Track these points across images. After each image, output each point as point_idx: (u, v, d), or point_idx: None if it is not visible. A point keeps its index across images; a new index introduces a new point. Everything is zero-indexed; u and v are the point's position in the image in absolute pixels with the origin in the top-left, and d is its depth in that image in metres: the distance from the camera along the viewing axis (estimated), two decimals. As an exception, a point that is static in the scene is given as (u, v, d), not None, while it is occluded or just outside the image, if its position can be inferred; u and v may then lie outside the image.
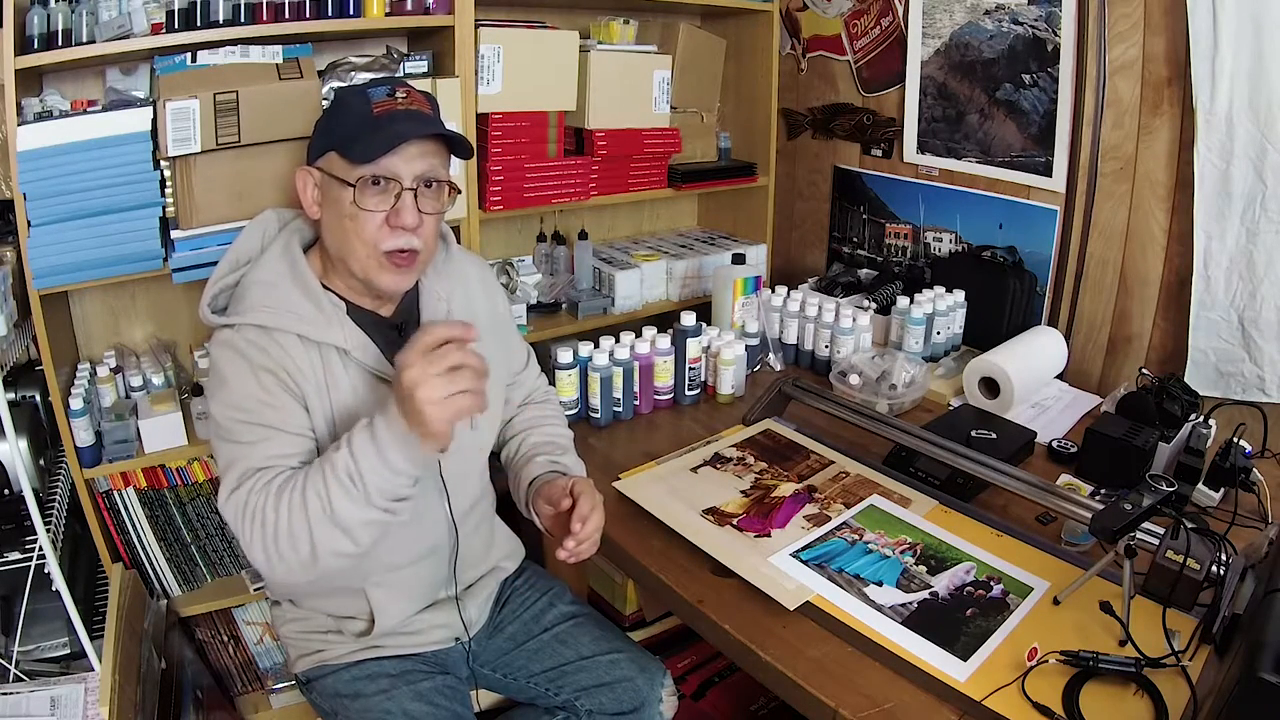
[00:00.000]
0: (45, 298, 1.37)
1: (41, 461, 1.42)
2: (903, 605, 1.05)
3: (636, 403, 1.62)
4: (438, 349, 0.92)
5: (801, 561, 1.13)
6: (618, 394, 1.58)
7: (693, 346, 1.63)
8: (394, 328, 1.15)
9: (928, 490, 1.31)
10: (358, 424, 0.98)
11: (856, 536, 1.19)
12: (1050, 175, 1.82)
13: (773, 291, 1.90)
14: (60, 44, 1.31)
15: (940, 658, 0.96)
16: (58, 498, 1.40)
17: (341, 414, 1.08)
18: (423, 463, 0.97)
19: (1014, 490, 1.20)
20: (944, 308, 1.82)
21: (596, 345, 1.58)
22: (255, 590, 1.71)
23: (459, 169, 1.68)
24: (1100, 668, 0.92)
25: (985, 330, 1.84)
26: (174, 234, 1.42)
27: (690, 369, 1.64)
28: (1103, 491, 1.26)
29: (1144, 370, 1.61)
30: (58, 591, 1.29)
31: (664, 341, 1.63)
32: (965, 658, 0.96)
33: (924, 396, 1.69)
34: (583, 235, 2.07)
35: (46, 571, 1.27)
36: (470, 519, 1.23)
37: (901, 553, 1.15)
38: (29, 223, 1.32)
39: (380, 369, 1.10)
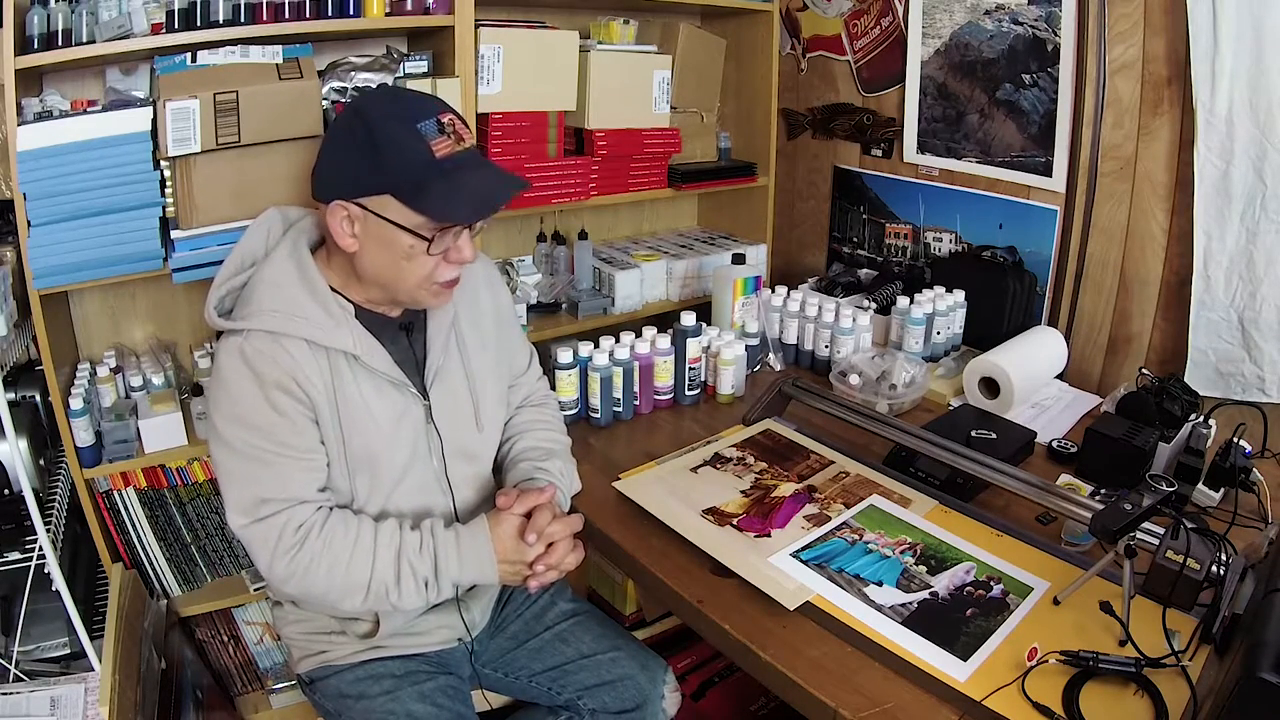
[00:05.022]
0: (45, 298, 1.37)
1: (41, 461, 1.42)
2: (903, 605, 1.05)
3: (636, 403, 1.62)
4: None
5: (801, 561, 1.13)
6: (618, 394, 1.58)
7: (693, 346, 1.63)
8: (402, 328, 1.15)
9: (928, 490, 1.31)
10: (439, 536, 1.10)
11: (856, 536, 1.19)
12: (1050, 175, 1.82)
13: (773, 291, 1.90)
14: (60, 44, 1.31)
15: (940, 658, 0.96)
16: (58, 498, 1.40)
17: (348, 420, 1.08)
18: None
19: (1014, 490, 1.20)
20: (944, 308, 1.82)
21: (596, 345, 1.58)
22: (255, 590, 1.71)
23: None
24: (1100, 668, 0.92)
25: (985, 330, 1.84)
26: (174, 234, 1.42)
27: (690, 369, 1.64)
28: (1103, 491, 1.26)
29: (1144, 370, 1.61)
30: (58, 591, 1.29)
31: (664, 341, 1.63)
32: (965, 658, 0.96)
33: (924, 396, 1.69)
34: (583, 235, 2.07)
35: (46, 571, 1.27)
36: (469, 520, 1.23)
37: (901, 553, 1.15)
38: (29, 223, 1.32)
39: (389, 373, 1.10)
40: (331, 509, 1.09)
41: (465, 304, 1.21)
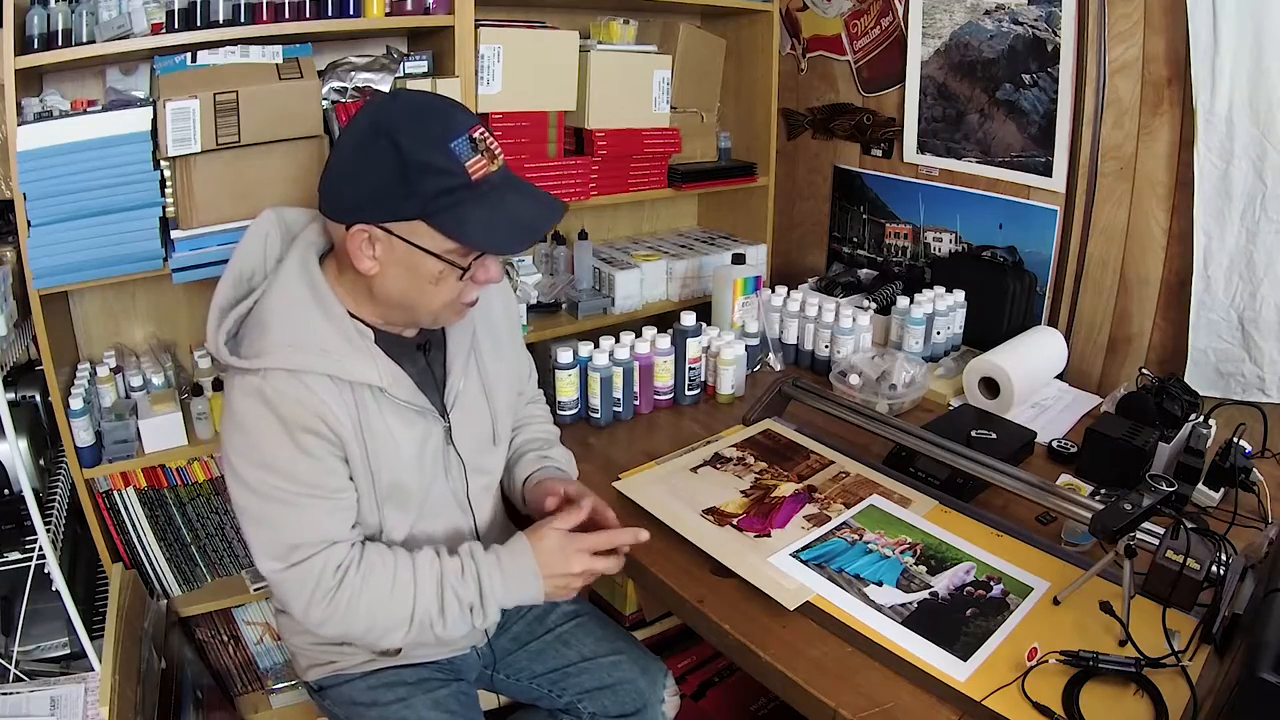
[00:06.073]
0: (45, 298, 1.37)
1: (41, 461, 1.42)
2: (903, 605, 1.05)
3: (636, 403, 1.62)
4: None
5: (801, 561, 1.13)
6: (618, 394, 1.58)
7: (693, 346, 1.63)
8: (419, 348, 1.11)
9: (928, 490, 1.31)
10: (480, 559, 1.05)
11: (856, 536, 1.19)
12: (1050, 175, 1.82)
13: (773, 291, 1.90)
14: (60, 44, 1.31)
15: (940, 658, 0.96)
16: (58, 498, 1.40)
17: (376, 453, 1.03)
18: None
19: (1014, 490, 1.20)
20: (944, 308, 1.82)
21: (596, 345, 1.58)
22: (255, 590, 1.71)
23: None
24: (1100, 668, 0.92)
25: (985, 330, 1.84)
26: (174, 234, 1.42)
27: (690, 369, 1.64)
28: (1103, 491, 1.26)
29: (1144, 370, 1.61)
30: (58, 591, 1.29)
31: (664, 341, 1.63)
32: (965, 658, 0.96)
33: (924, 396, 1.69)
34: (583, 235, 2.06)
35: (46, 571, 1.27)
36: (490, 533, 1.23)
37: (901, 553, 1.15)
38: (29, 223, 1.32)
39: (414, 402, 1.06)
40: (364, 543, 1.05)
41: (481, 316, 1.16)
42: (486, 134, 0.96)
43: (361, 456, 1.02)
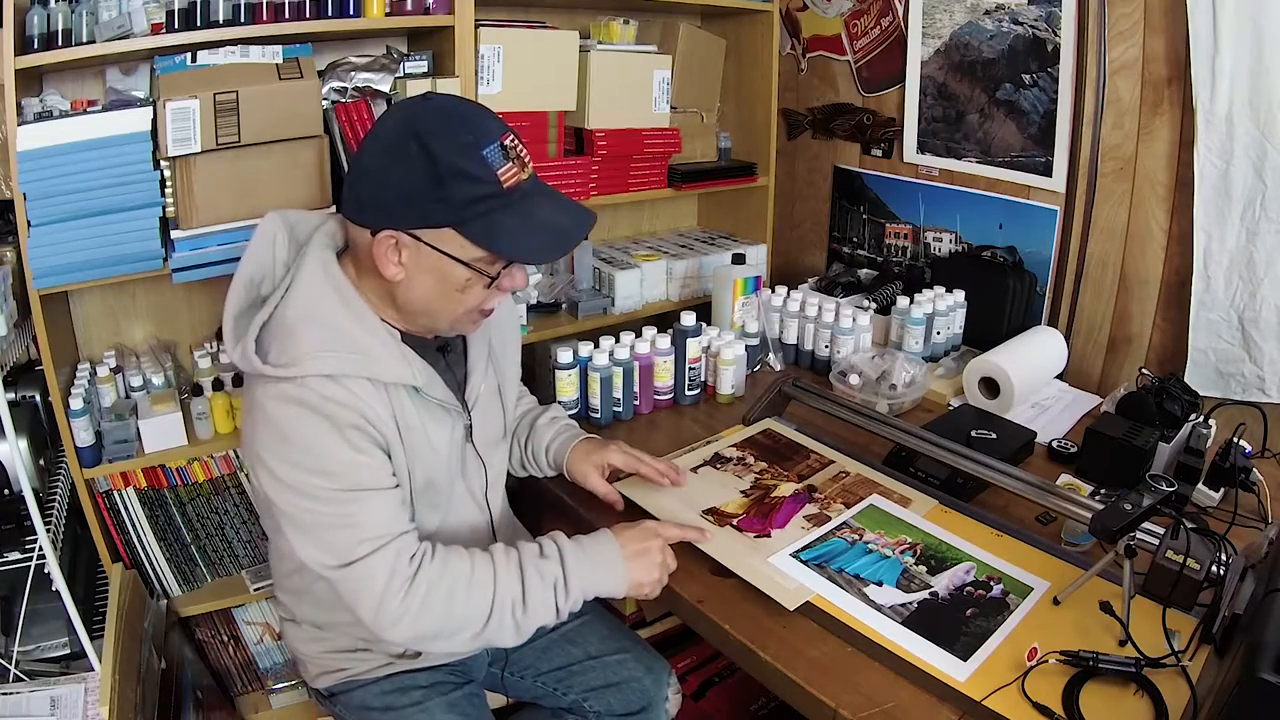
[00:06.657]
0: (45, 298, 1.37)
1: (41, 461, 1.42)
2: (903, 605, 1.05)
3: (636, 403, 1.62)
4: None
5: (801, 561, 1.13)
6: (618, 394, 1.58)
7: (693, 346, 1.63)
8: (438, 350, 1.11)
9: (928, 490, 1.31)
10: (559, 539, 1.06)
11: (856, 536, 1.19)
12: (1050, 175, 1.82)
13: (773, 291, 1.90)
14: (60, 44, 1.31)
15: (940, 658, 0.96)
16: (58, 498, 1.40)
17: (412, 451, 1.03)
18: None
19: (1014, 490, 1.20)
20: (944, 308, 1.82)
21: (596, 345, 1.58)
22: (255, 590, 1.71)
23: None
24: (1100, 668, 0.92)
25: (985, 330, 1.84)
26: (174, 234, 1.42)
27: (690, 369, 1.64)
28: (1103, 491, 1.26)
29: (1144, 370, 1.61)
30: (58, 591, 1.29)
31: (664, 341, 1.63)
32: (965, 658, 0.96)
33: (924, 396, 1.69)
34: (583, 235, 2.06)
35: (46, 571, 1.27)
36: (504, 531, 1.25)
37: (901, 553, 1.15)
38: (29, 223, 1.31)
39: (445, 401, 1.06)
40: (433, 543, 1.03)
41: (493, 318, 1.15)
42: (517, 141, 0.96)
43: (401, 455, 1.02)
